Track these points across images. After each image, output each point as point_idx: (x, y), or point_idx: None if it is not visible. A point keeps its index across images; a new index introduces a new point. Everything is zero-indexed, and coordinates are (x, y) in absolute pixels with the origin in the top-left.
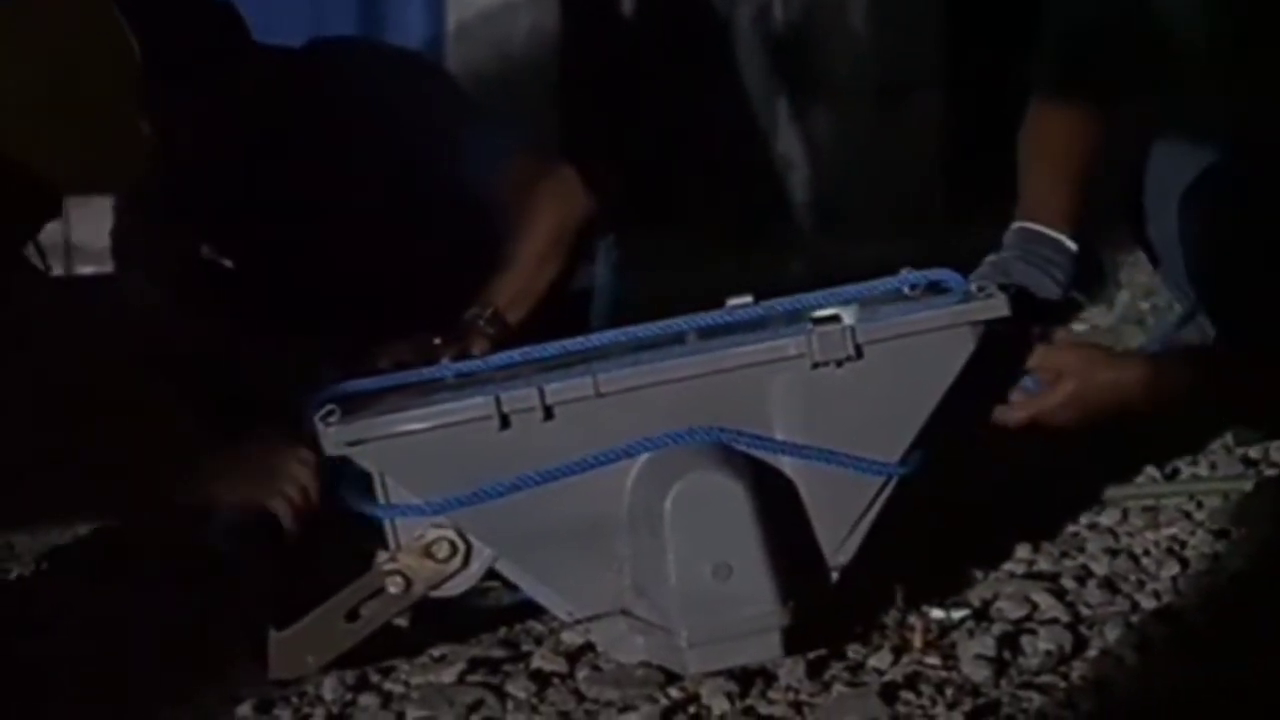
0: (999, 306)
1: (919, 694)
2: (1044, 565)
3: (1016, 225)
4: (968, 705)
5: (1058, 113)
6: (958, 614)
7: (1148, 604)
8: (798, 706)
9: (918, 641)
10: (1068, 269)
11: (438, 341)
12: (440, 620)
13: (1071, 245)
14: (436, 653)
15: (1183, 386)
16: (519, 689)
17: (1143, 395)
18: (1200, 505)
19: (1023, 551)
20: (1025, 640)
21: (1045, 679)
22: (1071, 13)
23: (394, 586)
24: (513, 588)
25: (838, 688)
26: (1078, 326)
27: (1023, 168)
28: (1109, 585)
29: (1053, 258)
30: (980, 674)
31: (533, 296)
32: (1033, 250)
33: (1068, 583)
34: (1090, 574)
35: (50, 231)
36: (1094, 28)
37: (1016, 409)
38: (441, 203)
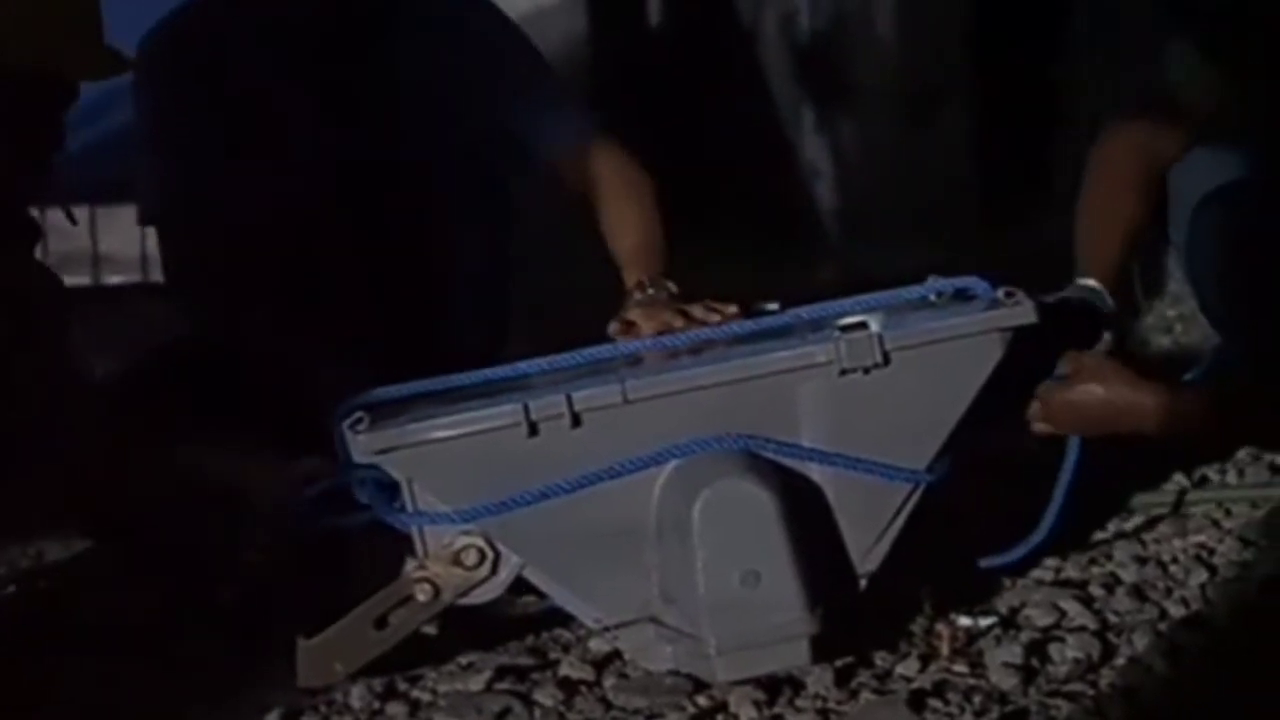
0: (1026, 313)
1: (946, 702)
2: (1072, 573)
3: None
4: (995, 713)
5: (1114, 173)
6: (985, 621)
7: (1176, 611)
8: (825, 714)
9: (945, 649)
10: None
11: (614, 327)
12: (468, 628)
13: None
14: (464, 660)
15: (1198, 423)
16: (546, 697)
17: (1153, 423)
18: (1229, 513)
19: (1050, 559)
20: (1053, 648)
21: (1073, 687)
22: (1124, 84)
23: (422, 594)
24: (541, 595)
25: (865, 695)
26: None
27: (1078, 229)
28: (1137, 593)
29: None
30: (1008, 682)
31: (664, 250)
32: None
33: (1096, 590)
34: (1118, 581)
35: (78, 240)
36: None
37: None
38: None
